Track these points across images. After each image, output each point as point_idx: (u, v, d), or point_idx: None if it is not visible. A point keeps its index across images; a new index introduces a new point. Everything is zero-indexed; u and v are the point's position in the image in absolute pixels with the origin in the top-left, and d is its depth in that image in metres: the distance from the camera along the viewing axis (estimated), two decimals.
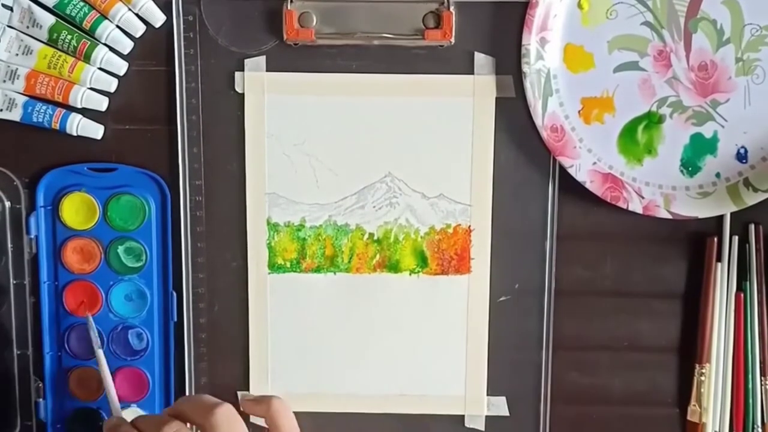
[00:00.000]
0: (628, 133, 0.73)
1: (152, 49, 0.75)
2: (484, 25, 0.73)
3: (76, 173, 0.76)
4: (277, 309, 0.78)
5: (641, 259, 0.76)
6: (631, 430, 0.79)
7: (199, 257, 0.77)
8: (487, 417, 0.78)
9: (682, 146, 0.73)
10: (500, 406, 0.78)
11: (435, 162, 0.75)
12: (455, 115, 0.75)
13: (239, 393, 0.66)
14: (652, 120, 0.73)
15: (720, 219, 0.75)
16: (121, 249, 0.77)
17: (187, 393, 0.78)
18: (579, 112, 0.73)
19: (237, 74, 0.75)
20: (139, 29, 0.74)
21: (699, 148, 0.73)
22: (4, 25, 0.74)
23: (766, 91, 0.72)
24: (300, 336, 0.78)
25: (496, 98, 0.74)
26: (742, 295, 0.75)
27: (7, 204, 0.76)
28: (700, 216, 0.73)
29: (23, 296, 0.78)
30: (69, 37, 0.73)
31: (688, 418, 0.77)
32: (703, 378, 0.76)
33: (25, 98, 0.75)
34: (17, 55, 0.74)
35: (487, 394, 0.78)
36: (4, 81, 0.74)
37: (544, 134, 0.73)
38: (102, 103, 0.75)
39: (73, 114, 0.75)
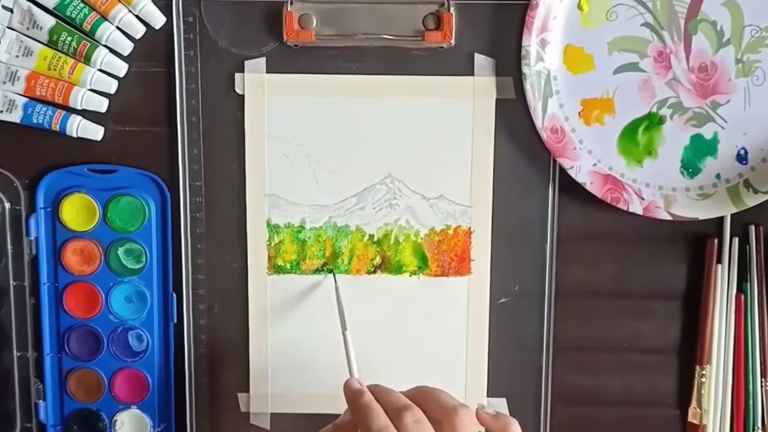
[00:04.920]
0: (629, 134, 0.73)
1: (152, 50, 0.75)
2: (485, 27, 0.73)
3: (76, 175, 0.76)
4: (277, 310, 0.78)
5: (641, 261, 0.76)
6: (631, 431, 0.79)
7: (199, 259, 0.77)
8: None
9: (683, 147, 0.73)
10: (500, 408, 0.78)
11: (435, 163, 0.75)
12: (455, 116, 0.75)
13: (478, 407, 0.66)
14: (652, 121, 0.73)
15: (720, 220, 0.75)
16: (121, 250, 0.77)
17: (187, 395, 0.78)
18: (579, 113, 0.73)
19: (237, 75, 0.75)
20: (139, 31, 0.74)
21: (699, 150, 0.73)
22: (4, 26, 0.74)
23: (766, 93, 0.72)
24: (300, 337, 0.78)
25: (497, 99, 0.74)
26: (742, 296, 0.75)
27: (7, 205, 0.76)
28: (701, 217, 0.73)
29: (23, 298, 0.78)
30: (69, 38, 0.73)
31: (689, 419, 0.77)
32: (703, 379, 0.76)
33: (26, 100, 0.75)
34: (17, 56, 0.74)
35: (488, 396, 0.78)
36: (5, 82, 0.74)
37: (545, 135, 0.73)
38: (102, 105, 0.75)
39: (73, 115, 0.75)
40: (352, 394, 0.67)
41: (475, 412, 0.65)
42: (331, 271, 0.77)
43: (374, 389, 0.67)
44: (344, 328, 0.73)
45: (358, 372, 0.71)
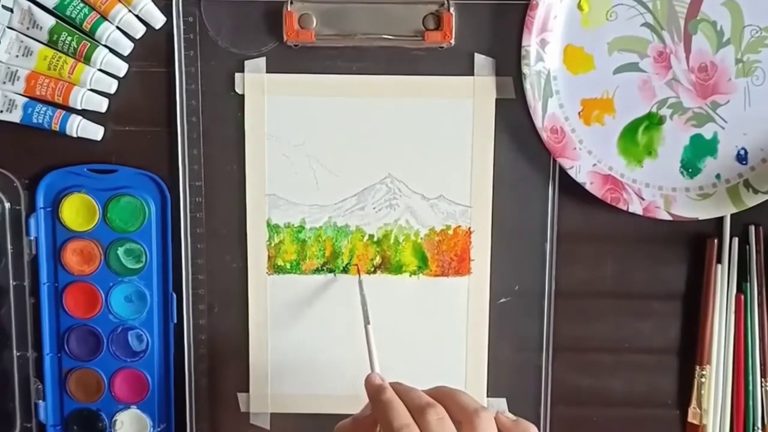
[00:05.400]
0: (629, 134, 0.73)
1: (152, 50, 0.75)
2: (485, 27, 0.73)
3: (76, 174, 0.76)
4: (277, 310, 0.78)
5: (641, 261, 0.76)
6: (631, 431, 0.79)
7: (199, 259, 0.77)
8: None
9: (682, 147, 0.73)
10: (500, 408, 0.78)
11: (435, 163, 0.75)
12: (455, 116, 0.75)
13: (497, 412, 0.66)
14: (652, 121, 0.73)
15: (720, 220, 0.75)
16: (121, 250, 0.77)
17: (187, 395, 0.78)
18: (579, 113, 0.73)
19: (237, 75, 0.75)
20: (139, 31, 0.74)
21: (699, 150, 0.73)
22: (4, 26, 0.74)
23: (766, 93, 0.72)
24: (300, 337, 0.78)
25: (496, 99, 0.74)
26: (742, 296, 0.75)
27: (7, 205, 0.76)
28: (700, 217, 0.73)
29: (23, 297, 0.78)
30: (69, 38, 0.73)
31: (689, 419, 0.77)
32: (703, 380, 0.76)
33: (25, 99, 0.75)
34: (17, 56, 0.74)
35: (488, 396, 0.78)
36: (4, 82, 0.74)
37: (544, 136, 0.73)
38: (102, 105, 0.75)
39: (73, 115, 0.75)
40: (373, 390, 0.66)
41: (495, 416, 0.64)
42: (350, 269, 0.77)
43: (395, 386, 0.66)
44: (367, 322, 0.73)
45: (379, 367, 0.70)
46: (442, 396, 0.65)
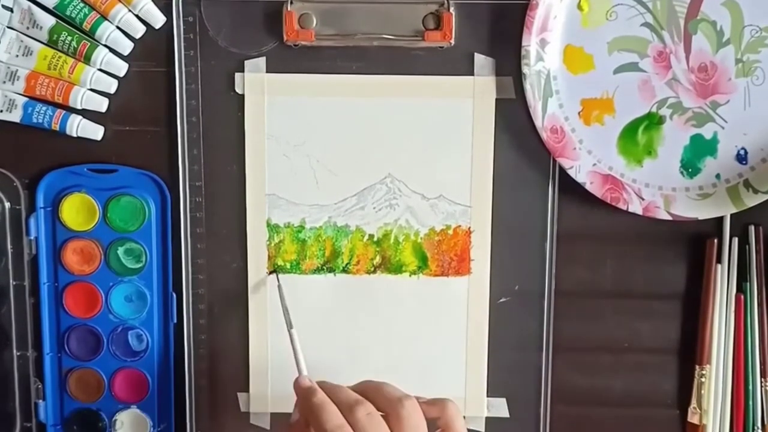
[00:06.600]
0: (628, 134, 0.73)
1: (152, 50, 0.75)
2: (484, 27, 0.73)
3: (76, 174, 0.76)
4: (277, 310, 0.77)
5: (641, 261, 0.76)
6: (631, 431, 0.79)
7: (199, 258, 0.77)
8: (487, 418, 0.78)
9: (682, 147, 0.73)
10: (500, 408, 0.78)
11: (435, 163, 0.75)
12: (455, 116, 0.75)
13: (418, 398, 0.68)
14: (652, 121, 0.73)
15: (720, 220, 0.75)
16: (121, 250, 0.77)
17: (187, 395, 0.78)
18: (579, 113, 0.73)
19: (237, 75, 0.75)
20: (139, 30, 0.74)
21: (699, 150, 0.73)
22: (4, 26, 0.74)
23: (766, 93, 0.72)
24: (300, 337, 0.78)
25: (496, 99, 0.74)
26: (742, 296, 0.75)
27: (7, 205, 0.76)
28: (700, 217, 0.73)
29: (23, 297, 0.78)
30: (69, 38, 0.74)
31: (689, 419, 0.77)
32: (703, 379, 0.76)
33: (25, 99, 0.75)
34: (17, 56, 0.74)
35: (487, 396, 0.78)
36: (4, 82, 0.74)
37: (544, 135, 0.73)
38: (102, 104, 0.75)
39: (73, 115, 0.75)
40: (303, 393, 0.68)
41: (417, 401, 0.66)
42: (274, 272, 0.77)
43: (323, 386, 0.68)
44: (290, 327, 0.74)
45: (306, 369, 0.72)
46: (367, 390, 0.67)
